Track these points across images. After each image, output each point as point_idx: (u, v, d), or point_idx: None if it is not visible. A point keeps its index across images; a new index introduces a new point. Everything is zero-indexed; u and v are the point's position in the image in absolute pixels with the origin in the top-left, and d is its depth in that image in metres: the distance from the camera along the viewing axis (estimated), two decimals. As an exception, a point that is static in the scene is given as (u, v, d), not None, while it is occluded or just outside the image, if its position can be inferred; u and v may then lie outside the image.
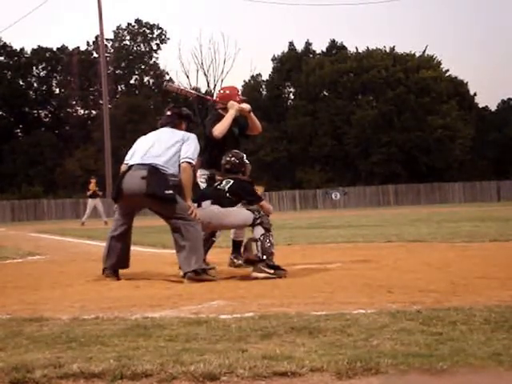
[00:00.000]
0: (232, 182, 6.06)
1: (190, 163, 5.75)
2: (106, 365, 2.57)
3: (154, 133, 6.11)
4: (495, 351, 2.63)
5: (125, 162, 5.98)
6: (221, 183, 6.11)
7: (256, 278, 5.47)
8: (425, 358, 2.56)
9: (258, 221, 5.75)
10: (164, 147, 5.80)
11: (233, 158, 6.23)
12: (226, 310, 3.88)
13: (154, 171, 5.62)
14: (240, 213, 5.85)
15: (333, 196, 43.66)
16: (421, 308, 3.64)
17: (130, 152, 6.01)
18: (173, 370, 2.50)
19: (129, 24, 62.42)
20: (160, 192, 5.57)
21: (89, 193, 24.81)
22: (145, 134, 6.26)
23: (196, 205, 5.91)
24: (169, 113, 6.22)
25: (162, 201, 5.60)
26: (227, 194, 5.95)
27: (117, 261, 5.82)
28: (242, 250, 6.39)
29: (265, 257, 5.60)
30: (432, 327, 3.12)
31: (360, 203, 44.76)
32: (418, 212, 25.06)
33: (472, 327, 3.09)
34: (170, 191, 5.58)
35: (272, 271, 5.54)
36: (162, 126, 6.12)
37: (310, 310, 3.69)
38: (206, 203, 6.01)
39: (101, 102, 43.57)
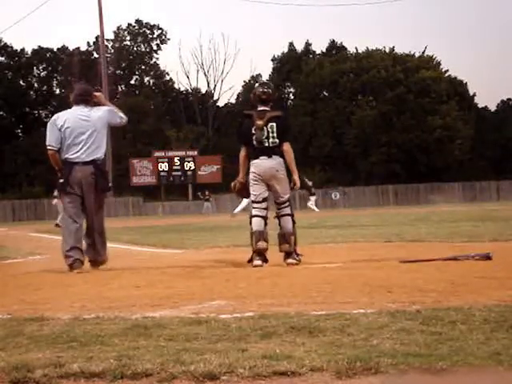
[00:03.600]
0: (275, 124, 6.27)
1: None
2: (106, 364, 2.58)
3: None
4: (495, 351, 2.64)
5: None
6: (268, 132, 6.26)
7: (292, 264, 6.31)
8: (424, 357, 2.56)
9: (291, 210, 6.42)
10: None
11: (266, 89, 6.41)
12: (225, 309, 3.88)
13: None
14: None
15: (333, 196, 43.64)
16: (420, 308, 3.64)
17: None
18: (173, 370, 2.51)
19: (129, 24, 62.48)
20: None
21: None
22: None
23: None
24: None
25: None
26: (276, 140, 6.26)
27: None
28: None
29: (296, 247, 6.47)
30: (431, 327, 3.12)
31: (360, 203, 44.74)
32: (417, 212, 25.05)
33: (471, 327, 3.09)
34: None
35: (299, 258, 6.48)
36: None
37: (310, 310, 3.69)
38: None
39: (101, 102, 43.50)
